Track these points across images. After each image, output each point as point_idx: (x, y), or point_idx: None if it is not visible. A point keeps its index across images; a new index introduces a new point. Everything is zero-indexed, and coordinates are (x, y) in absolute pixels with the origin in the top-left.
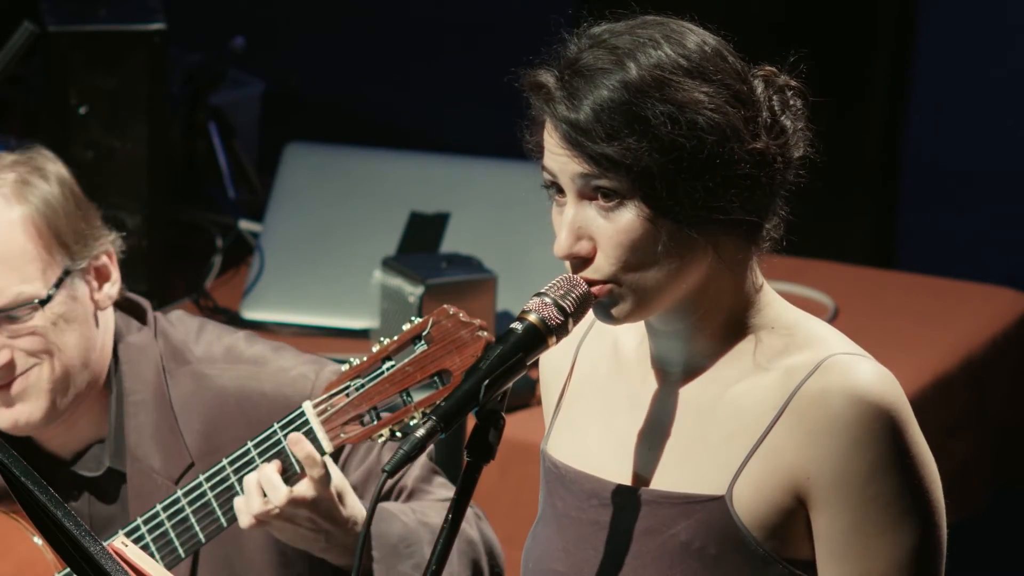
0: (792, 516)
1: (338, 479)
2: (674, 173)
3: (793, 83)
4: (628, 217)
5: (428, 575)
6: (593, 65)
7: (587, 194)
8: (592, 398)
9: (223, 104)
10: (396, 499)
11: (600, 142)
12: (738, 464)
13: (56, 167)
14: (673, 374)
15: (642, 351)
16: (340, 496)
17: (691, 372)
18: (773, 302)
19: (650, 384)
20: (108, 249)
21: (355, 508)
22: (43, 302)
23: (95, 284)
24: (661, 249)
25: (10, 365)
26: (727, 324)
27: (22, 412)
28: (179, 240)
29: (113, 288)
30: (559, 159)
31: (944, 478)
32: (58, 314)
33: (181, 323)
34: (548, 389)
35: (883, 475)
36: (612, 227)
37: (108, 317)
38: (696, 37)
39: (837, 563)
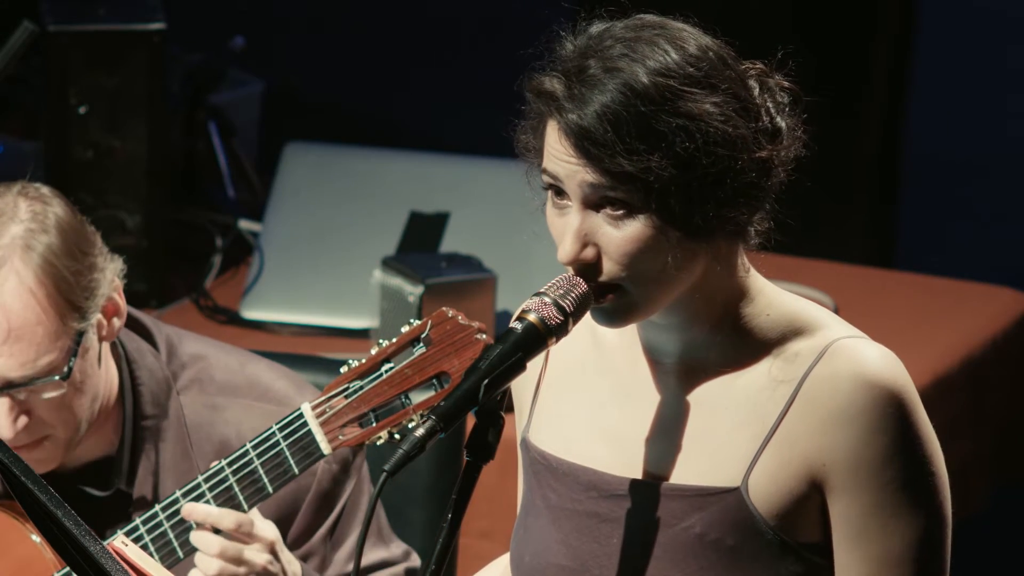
0: (806, 502)
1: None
2: (688, 188)
3: (786, 84)
4: (637, 227)
5: (427, 575)
6: (601, 74)
7: (595, 202)
8: (574, 387)
9: (223, 104)
10: None
11: (617, 156)
12: (752, 455)
13: (55, 211)
14: (667, 364)
15: (627, 340)
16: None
17: (687, 363)
18: (764, 288)
19: (641, 374)
20: (116, 284)
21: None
22: (64, 376)
23: (104, 323)
24: (671, 261)
25: (26, 430)
26: (721, 314)
27: (39, 464)
28: (179, 240)
29: (121, 320)
30: (567, 166)
31: None
32: (74, 380)
33: (197, 344)
34: (523, 376)
35: (898, 458)
36: (620, 235)
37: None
38: (698, 41)
39: (854, 544)
